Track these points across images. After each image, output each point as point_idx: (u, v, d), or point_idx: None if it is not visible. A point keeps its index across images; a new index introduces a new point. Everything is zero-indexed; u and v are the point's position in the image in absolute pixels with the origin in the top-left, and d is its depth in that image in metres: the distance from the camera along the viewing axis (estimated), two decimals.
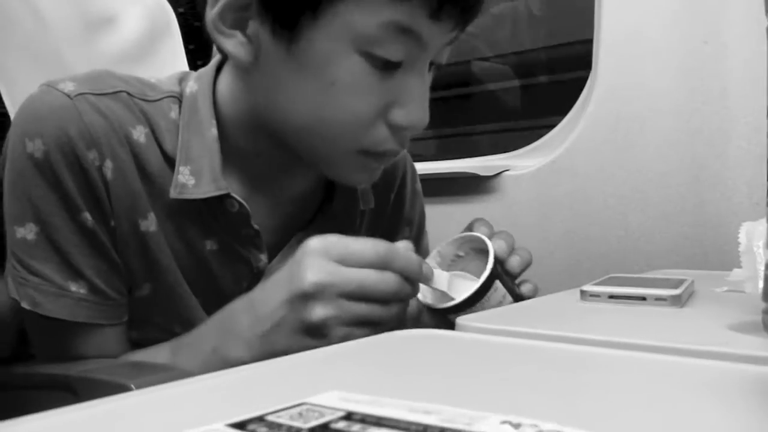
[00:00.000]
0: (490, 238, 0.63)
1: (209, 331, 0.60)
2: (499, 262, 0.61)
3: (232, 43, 0.59)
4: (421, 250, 0.85)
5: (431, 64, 0.62)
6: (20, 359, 0.70)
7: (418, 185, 0.86)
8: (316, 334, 0.54)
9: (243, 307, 0.58)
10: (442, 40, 0.59)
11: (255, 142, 0.65)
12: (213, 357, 0.57)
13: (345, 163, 0.63)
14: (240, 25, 0.59)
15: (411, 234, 0.84)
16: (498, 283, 0.60)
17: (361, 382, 0.34)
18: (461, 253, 0.65)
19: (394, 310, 0.56)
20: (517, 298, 0.62)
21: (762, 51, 0.42)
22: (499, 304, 0.60)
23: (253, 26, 0.58)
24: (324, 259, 0.54)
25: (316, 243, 0.55)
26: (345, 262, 0.54)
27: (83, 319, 0.60)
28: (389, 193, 0.80)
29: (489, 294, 0.59)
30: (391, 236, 0.76)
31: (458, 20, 0.58)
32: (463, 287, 0.60)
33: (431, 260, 0.63)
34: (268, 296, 0.56)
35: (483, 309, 0.59)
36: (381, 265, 0.55)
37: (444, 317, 0.60)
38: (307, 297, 0.53)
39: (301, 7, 0.56)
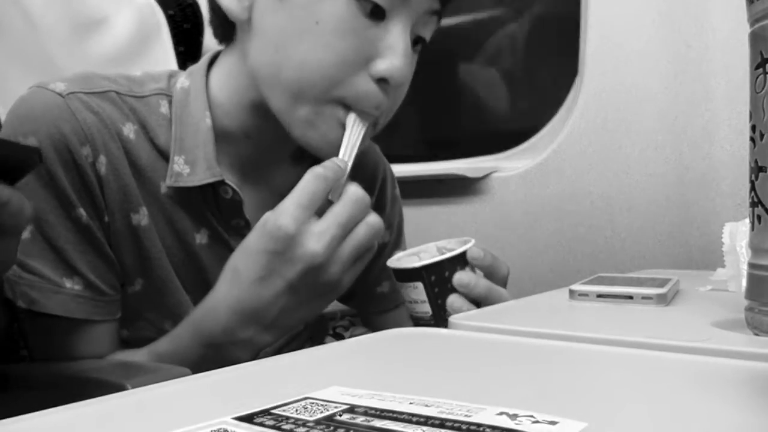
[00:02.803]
0: (485, 264, 0.63)
1: (193, 345, 0.60)
2: (433, 272, 0.61)
3: (229, 0, 0.62)
4: (400, 251, 0.87)
5: (417, 41, 0.64)
6: (9, 360, 0.70)
7: (397, 190, 0.88)
8: (334, 291, 0.57)
9: (237, 320, 0.58)
10: (425, 1, 0.61)
11: (246, 123, 0.67)
12: (204, 364, 0.58)
13: (317, 112, 0.62)
14: None
15: (391, 236, 0.86)
16: (420, 287, 0.61)
17: (358, 379, 0.34)
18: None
19: (375, 221, 0.58)
20: (439, 321, 0.61)
21: (744, 55, 0.43)
22: (413, 302, 0.62)
23: None
24: (304, 228, 0.55)
25: (283, 231, 0.55)
26: (313, 210, 0.56)
27: (79, 315, 0.61)
28: (371, 196, 0.82)
29: (406, 285, 0.62)
30: None
31: None
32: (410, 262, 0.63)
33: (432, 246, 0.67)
34: (258, 294, 0.56)
35: (405, 294, 0.62)
36: (324, 191, 0.57)
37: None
38: (322, 266, 0.55)
39: None
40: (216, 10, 0.65)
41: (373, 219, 0.58)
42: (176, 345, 0.61)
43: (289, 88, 0.62)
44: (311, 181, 0.56)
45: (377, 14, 0.60)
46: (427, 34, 0.65)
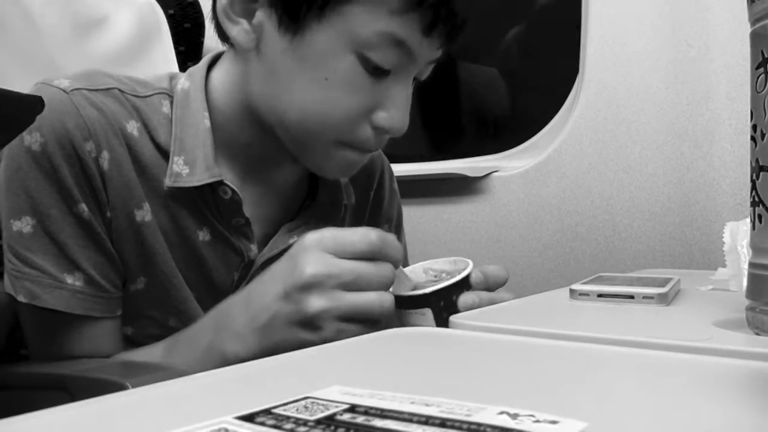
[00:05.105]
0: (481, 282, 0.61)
1: (205, 327, 0.61)
2: (441, 297, 0.59)
3: (237, 30, 0.63)
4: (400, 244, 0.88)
5: (414, 78, 0.66)
6: (9, 360, 0.70)
7: (395, 185, 0.88)
8: (311, 327, 0.54)
9: (239, 303, 0.59)
10: (430, 56, 0.64)
11: (247, 132, 0.68)
12: (209, 353, 0.58)
13: (327, 154, 0.66)
14: (247, 14, 0.63)
15: (390, 231, 0.86)
16: (428, 312, 0.59)
17: (359, 379, 0.34)
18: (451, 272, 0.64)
19: (387, 299, 0.56)
20: None
21: (744, 54, 0.43)
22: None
23: (260, 16, 0.62)
24: (320, 251, 0.55)
25: (311, 237, 0.56)
26: (340, 253, 0.55)
27: (79, 311, 0.61)
28: (368, 191, 0.83)
29: (414, 312, 0.59)
30: None
31: (446, 39, 0.62)
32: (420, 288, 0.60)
33: (444, 261, 0.65)
34: (264, 290, 0.57)
35: (409, 321, 0.59)
36: (373, 254, 0.56)
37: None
38: (304, 289, 0.54)
39: (309, 4, 0.59)
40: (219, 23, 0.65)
41: (388, 297, 0.56)
42: (195, 327, 0.62)
43: (293, 131, 0.64)
44: (368, 234, 0.56)
45: (381, 73, 0.62)
46: (423, 76, 0.67)
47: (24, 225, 0.60)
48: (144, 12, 1.05)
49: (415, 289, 0.61)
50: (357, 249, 0.55)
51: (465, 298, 0.59)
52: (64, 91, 0.61)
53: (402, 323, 0.60)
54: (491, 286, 0.62)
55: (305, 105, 0.62)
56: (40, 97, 0.44)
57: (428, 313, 0.59)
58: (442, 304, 0.59)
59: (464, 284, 0.60)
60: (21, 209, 0.60)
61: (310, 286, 0.54)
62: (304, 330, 0.55)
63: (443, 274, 0.63)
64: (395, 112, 0.63)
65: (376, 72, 0.61)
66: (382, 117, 0.63)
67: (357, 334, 0.54)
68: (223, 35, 0.67)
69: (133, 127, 0.64)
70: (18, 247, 0.60)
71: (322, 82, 0.61)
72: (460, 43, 0.65)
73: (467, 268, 0.61)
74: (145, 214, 0.64)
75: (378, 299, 0.55)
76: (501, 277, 0.63)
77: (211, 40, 0.76)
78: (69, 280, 0.61)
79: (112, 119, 0.62)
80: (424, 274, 0.64)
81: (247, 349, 0.56)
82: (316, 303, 0.54)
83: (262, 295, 0.57)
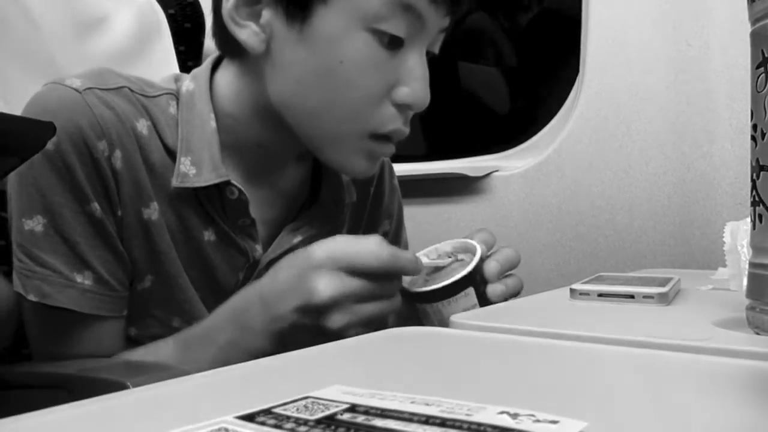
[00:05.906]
0: (489, 247, 0.65)
1: (220, 324, 0.62)
2: (478, 272, 0.62)
3: (246, 33, 0.63)
4: (401, 242, 0.89)
5: (426, 53, 0.65)
6: (11, 359, 0.70)
7: (396, 181, 0.89)
8: (333, 336, 0.56)
9: (255, 302, 0.59)
10: (439, 23, 0.63)
11: (258, 133, 0.68)
12: (230, 350, 0.59)
13: (353, 147, 0.65)
14: (253, 17, 0.63)
15: (391, 227, 0.87)
16: (471, 291, 0.61)
17: (360, 378, 0.34)
18: (460, 256, 0.66)
19: (398, 301, 0.60)
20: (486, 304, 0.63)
21: (745, 54, 0.43)
22: (465, 310, 0.61)
23: (266, 16, 0.62)
24: (333, 271, 0.56)
25: (321, 254, 0.57)
26: (352, 271, 0.56)
27: (88, 310, 0.62)
28: (369, 187, 0.83)
29: (458, 296, 0.60)
30: (372, 228, 0.82)
31: (451, 4, 0.62)
32: (440, 280, 0.61)
33: (427, 253, 0.66)
34: (281, 298, 0.58)
35: (451, 310, 0.60)
36: (384, 271, 0.58)
37: (411, 303, 0.63)
38: (322, 309, 0.56)
39: None
40: (223, 32, 0.65)
41: (398, 300, 0.60)
42: (209, 324, 0.63)
43: (317, 125, 0.64)
44: (380, 250, 0.57)
45: (395, 44, 0.61)
46: (436, 49, 0.67)
47: (35, 224, 0.60)
48: (144, 11, 1.05)
49: (436, 269, 0.63)
50: (368, 267, 0.57)
51: (489, 267, 0.62)
52: (76, 90, 0.61)
53: (443, 315, 0.61)
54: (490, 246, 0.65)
55: (325, 94, 0.62)
56: (52, 122, 0.44)
57: (471, 291, 0.61)
58: (478, 278, 0.61)
59: (469, 281, 0.62)
60: (33, 208, 0.60)
61: (327, 307, 0.56)
62: (327, 336, 0.56)
63: (447, 257, 0.65)
64: (415, 84, 0.63)
65: (391, 44, 0.61)
66: (403, 92, 0.63)
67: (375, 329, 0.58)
68: (224, 45, 0.67)
69: (143, 126, 0.64)
70: (29, 247, 0.61)
71: (338, 67, 0.61)
72: (465, 9, 0.65)
73: (477, 242, 0.63)
74: (152, 212, 0.64)
75: (390, 306, 0.59)
76: (491, 241, 0.66)
77: (212, 40, 0.76)
78: (79, 279, 0.61)
79: (123, 118, 0.63)
80: (438, 256, 0.66)
81: (272, 346, 0.58)
82: (337, 319, 0.56)
83: (279, 304, 0.58)
